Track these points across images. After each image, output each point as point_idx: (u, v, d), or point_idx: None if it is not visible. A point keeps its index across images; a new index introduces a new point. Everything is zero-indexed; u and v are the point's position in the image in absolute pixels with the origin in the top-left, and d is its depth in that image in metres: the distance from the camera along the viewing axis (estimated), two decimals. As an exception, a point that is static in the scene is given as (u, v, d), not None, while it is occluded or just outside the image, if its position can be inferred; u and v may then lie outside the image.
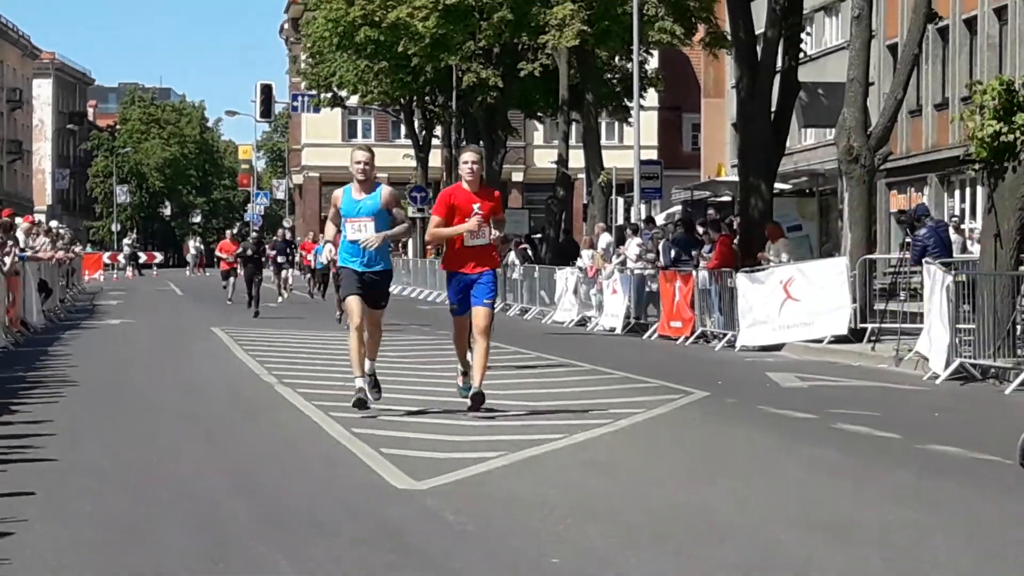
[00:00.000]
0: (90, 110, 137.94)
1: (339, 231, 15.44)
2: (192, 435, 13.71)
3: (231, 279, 43.57)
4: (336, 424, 13.94)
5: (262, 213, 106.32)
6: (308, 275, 51.74)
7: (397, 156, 74.51)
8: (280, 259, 47.29)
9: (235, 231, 53.90)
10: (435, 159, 65.72)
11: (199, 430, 14.10)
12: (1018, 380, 17.93)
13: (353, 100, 64.80)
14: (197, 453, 12.44)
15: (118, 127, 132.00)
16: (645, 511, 9.52)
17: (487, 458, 11.69)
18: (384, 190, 15.34)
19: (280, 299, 45.32)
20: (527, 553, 8.10)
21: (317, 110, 71.35)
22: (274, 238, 53.00)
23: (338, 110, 70.99)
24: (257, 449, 12.70)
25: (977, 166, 19.91)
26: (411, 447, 12.35)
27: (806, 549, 8.32)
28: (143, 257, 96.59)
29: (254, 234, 44.77)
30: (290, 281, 48.45)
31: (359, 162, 15.40)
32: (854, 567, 7.83)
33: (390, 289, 16.18)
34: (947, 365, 19.37)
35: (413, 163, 67.05)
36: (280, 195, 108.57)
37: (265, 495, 10.15)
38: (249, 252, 39.47)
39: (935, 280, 20.30)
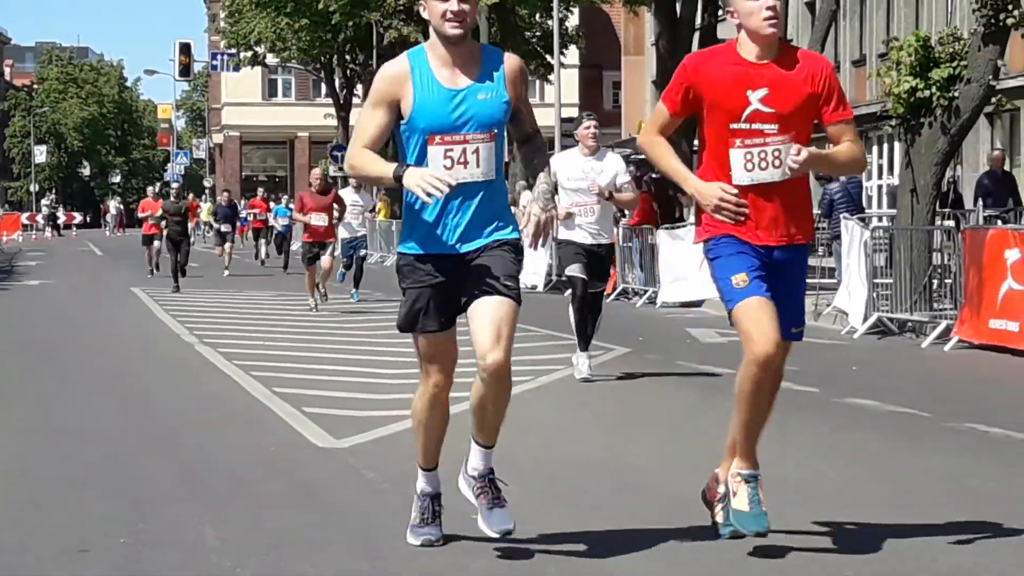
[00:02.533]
0: (6, 69, 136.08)
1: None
2: (112, 396, 13.63)
3: (154, 244, 36.54)
4: (257, 383, 13.92)
5: (182, 172, 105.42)
6: (258, 240, 46.62)
7: (318, 115, 74.15)
8: (224, 228, 40.35)
9: (157, 189, 46.29)
10: (356, 117, 65.41)
11: (119, 391, 14.02)
12: (934, 334, 18.13)
13: (273, 59, 64.35)
14: (117, 414, 12.38)
15: (35, 87, 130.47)
16: (564, 467, 9.56)
17: (407, 415, 11.63)
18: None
19: (225, 271, 37.75)
20: (446, 509, 8.10)
21: (237, 69, 70.73)
22: (218, 201, 44.35)
23: (258, 69, 70.53)
24: (177, 409, 12.65)
25: (894, 122, 20.02)
26: (333, 405, 12.35)
27: (724, 503, 8.37)
28: (62, 218, 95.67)
29: (175, 193, 34.86)
30: (232, 256, 40.36)
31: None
32: (773, 519, 7.88)
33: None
34: (865, 319, 19.54)
35: (334, 122, 66.71)
36: (200, 154, 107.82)
37: (185, 455, 10.12)
38: (171, 211, 32.70)
39: (852, 235, 20.46)
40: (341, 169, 57.85)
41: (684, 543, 7.33)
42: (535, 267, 32.32)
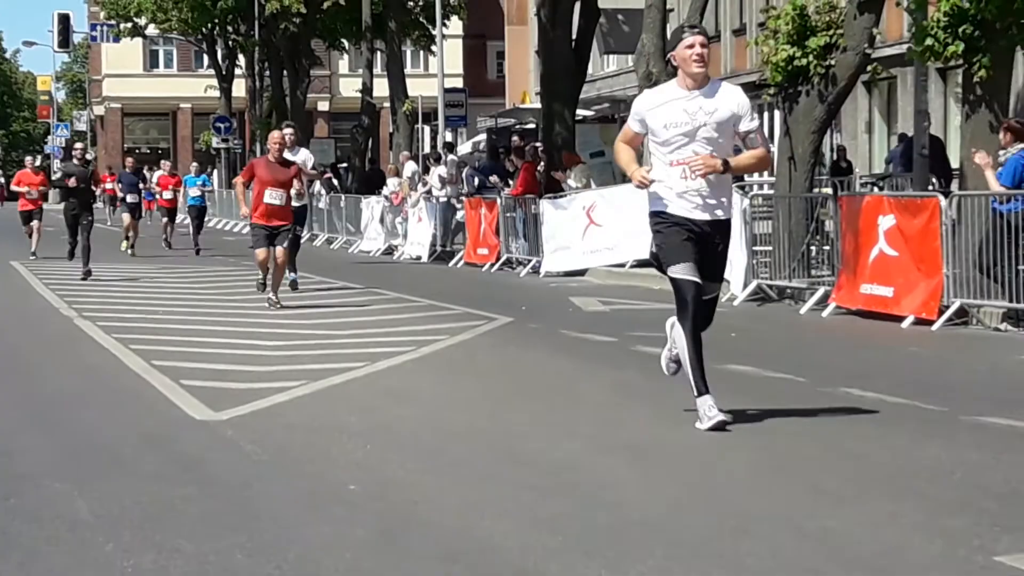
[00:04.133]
0: None
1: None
2: (-14, 371, 13.45)
3: (33, 223, 32.37)
4: (136, 356, 13.80)
5: (63, 145, 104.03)
6: (165, 219, 38.68)
7: (200, 86, 73.48)
8: (131, 198, 35.31)
9: (37, 162, 37.47)
10: (239, 89, 64.91)
11: (-6, 366, 13.83)
12: (812, 300, 18.33)
13: (153, 29, 63.66)
14: (-9, 389, 12.21)
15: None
16: (446, 436, 9.57)
17: (288, 387, 11.66)
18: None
19: (129, 251, 33.79)
20: (324, 481, 8.10)
21: (117, 40, 69.96)
22: (124, 169, 37.75)
23: (139, 40, 69.82)
24: (53, 383, 12.51)
25: (772, 91, 20.20)
26: (211, 378, 12.27)
27: (603, 470, 8.43)
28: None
29: (78, 154, 27.10)
30: (139, 234, 35.28)
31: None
32: (649, 487, 7.97)
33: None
34: (745, 287, 19.72)
35: (217, 93, 66.17)
36: (81, 127, 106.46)
37: (60, 429, 10.01)
38: (73, 183, 26.01)
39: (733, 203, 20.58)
40: (225, 140, 57.50)
41: (565, 510, 7.36)
42: (419, 237, 32.31)
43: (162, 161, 46.60)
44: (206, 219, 40.72)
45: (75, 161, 26.60)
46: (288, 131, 21.22)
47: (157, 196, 40.30)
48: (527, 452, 8.98)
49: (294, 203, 20.02)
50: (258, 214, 19.06)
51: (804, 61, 19.32)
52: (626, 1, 40.89)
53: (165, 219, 38.67)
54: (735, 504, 7.45)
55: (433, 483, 8.03)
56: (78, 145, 27.68)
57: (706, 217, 9.80)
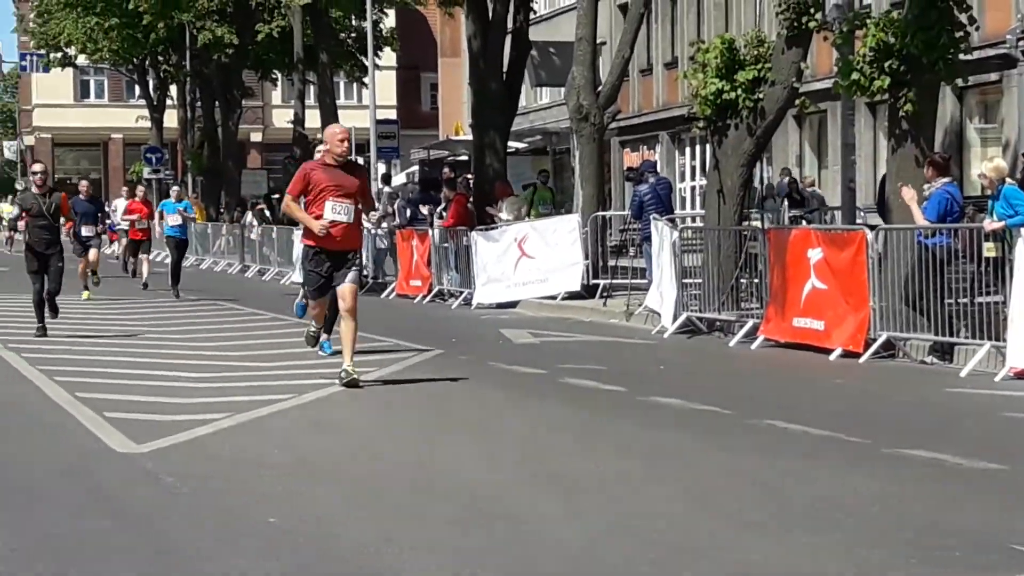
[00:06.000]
0: None
1: None
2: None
3: (141, 255, 31.55)
4: (59, 388, 13.67)
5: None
6: (142, 254, 33.15)
7: (132, 116, 73.10)
8: (86, 231, 27.89)
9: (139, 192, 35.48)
10: (171, 119, 64.64)
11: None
12: (741, 332, 18.38)
13: (84, 59, 63.31)
14: (-90, 422, 12.05)
15: None
16: (368, 470, 9.52)
17: (212, 419, 11.58)
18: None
19: (85, 293, 27.40)
20: (243, 513, 8.04)
21: (47, 70, 69.50)
22: (78, 196, 28.10)
23: (70, 69, 69.35)
24: (-28, 416, 12.36)
25: (701, 124, 20.28)
26: (135, 410, 12.17)
27: (524, 501, 8.41)
28: None
29: (38, 179, 20.24)
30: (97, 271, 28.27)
31: None
32: (571, 518, 7.95)
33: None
34: (675, 319, 19.75)
35: (148, 124, 65.85)
36: (11, 156, 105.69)
37: (-22, 463, 9.89)
38: (32, 211, 19.80)
39: (663, 236, 20.66)
40: (156, 172, 57.22)
41: (484, 543, 7.32)
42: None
43: (127, 187, 43.91)
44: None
45: (34, 189, 20.18)
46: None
47: (124, 225, 35.53)
48: (450, 484, 8.95)
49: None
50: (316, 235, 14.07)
51: (733, 95, 19.41)
52: (557, 34, 41.09)
53: (142, 255, 33.09)
54: (656, 536, 7.44)
55: (353, 516, 7.98)
56: (36, 167, 20.75)
57: None
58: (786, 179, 34.66)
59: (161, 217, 32.49)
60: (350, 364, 13.67)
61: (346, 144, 14.19)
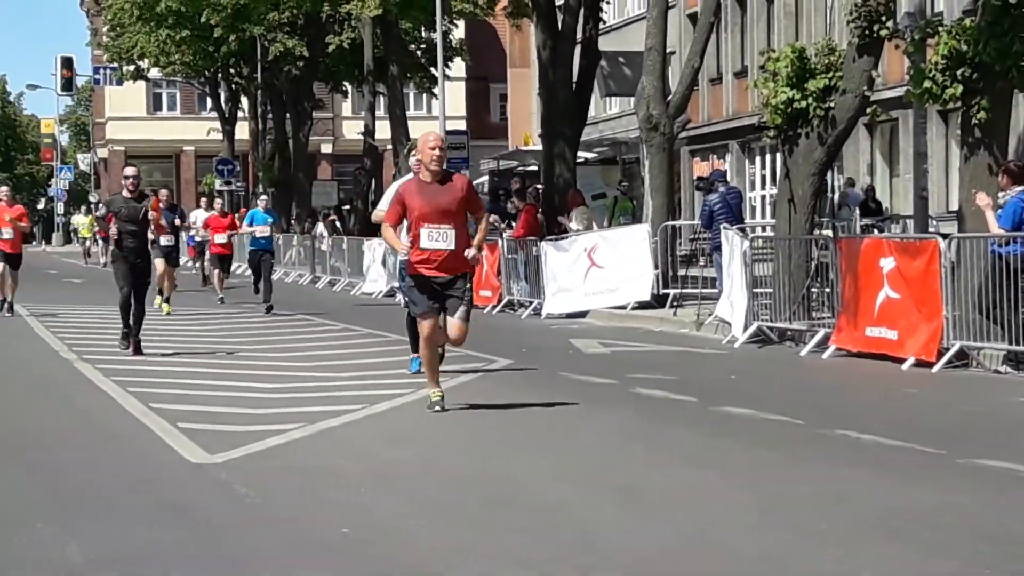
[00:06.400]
0: None
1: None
2: (-17, 414, 13.41)
3: (215, 271, 30.69)
4: (133, 399, 13.78)
5: (67, 188, 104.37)
6: (217, 269, 32.43)
7: (203, 129, 73.59)
8: (165, 240, 26.30)
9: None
10: (242, 131, 65.04)
11: (-10, 409, 13.80)
12: (812, 342, 18.30)
13: (156, 72, 63.82)
14: (-13, 432, 12.19)
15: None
16: (439, 480, 9.55)
17: (285, 430, 11.64)
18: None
19: (166, 308, 26.40)
20: (317, 523, 8.08)
21: (120, 83, 70.16)
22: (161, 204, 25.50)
23: (142, 83, 69.93)
24: (48, 426, 12.48)
25: (772, 133, 20.22)
26: (209, 421, 12.26)
27: (594, 512, 8.42)
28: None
29: (130, 184, 19.05)
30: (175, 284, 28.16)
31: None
32: (641, 529, 7.94)
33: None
34: (745, 329, 19.69)
35: (220, 136, 66.30)
36: (85, 169, 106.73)
37: (54, 474, 9.99)
38: (114, 232, 18.87)
39: (733, 245, 20.62)
40: (227, 183, 57.60)
41: (555, 554, 7.33)
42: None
43: (204, 198, 41.45)
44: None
45: (126, 193, 19.02)
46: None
47: (200, 240, 35.07)
48: (520, 495, 8.96)
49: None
50: (416, 261, 12.56)
51: (804, 103, 19.34)
52: (627, 44, 41.07)
53: (217, 269, 32.37)
54: (727, 546, 7.43)
55: (425, 527, 8.01)
56: (129, 171, 19.44)
57: None
58: (857, 187, 34.47)
59: (231, 227, 32.36)
60: (436, 389, 12.81)
61: (438, 152, 12.44)
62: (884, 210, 33.61)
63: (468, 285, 12.60)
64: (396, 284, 34.25)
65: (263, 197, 31.08)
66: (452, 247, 12.34)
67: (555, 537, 7.72)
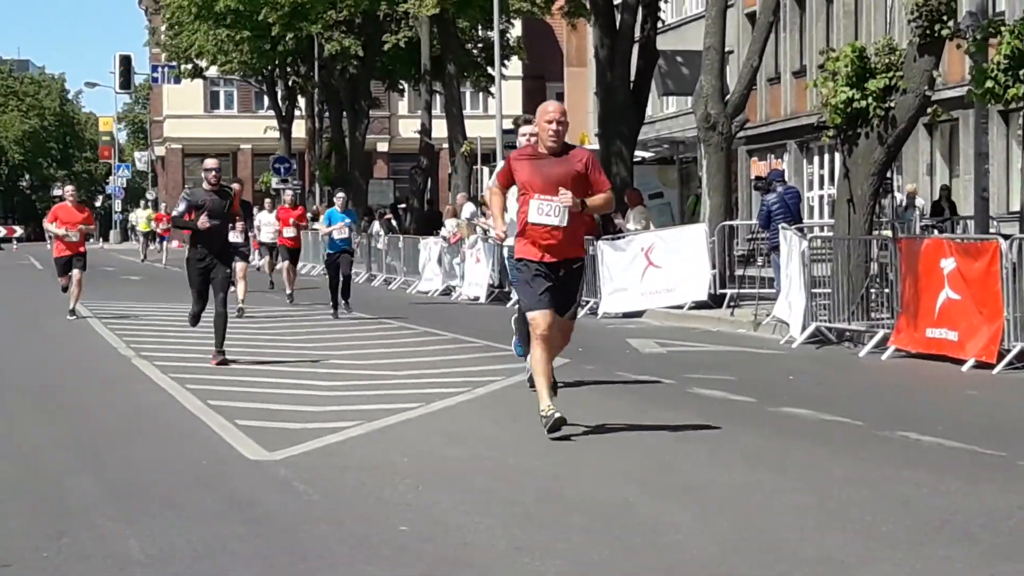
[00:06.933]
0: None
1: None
2: (40, 409, 13.48)
3: (71, 273, 25.02)
4: (192, 396, 13.83)
5: (124, 186, 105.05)
6: (286, 261, 31.47)
7: (260, 127, 73.90)
8: (234, 237, 22.38)
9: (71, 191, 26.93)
10: (298, 130, 65.26)
11: (48, 404, 13.87)
12: (871, 343, 18.19)
13: (214, 71, 64.13)
14: (46, 428, 12.26)
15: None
16: (497, 478, 9.53)
17: (342, 427, 11.66)
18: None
19: (240, 305, 25.55)
20: (375, 521, 8.08)
21: (178, 81, 70.60)
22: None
23: (200, 81, 70.32)
24: (107, 423, 12.54)
25: (831, 132, 20.11)
26: (267, 418, 12.29)
27: (656, 512, 8.38)
28: (2, 231, 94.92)
29: (212, 176, 17.65)
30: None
31: None
32: (701, 529, 7.90)
33: None
34: (803, 329, 19.60)
35: (276, 134, 66.56)
36: (142, 167, 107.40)
37: (113, 468, 10.03)
38: (204, 223, 17.10)
39: (791, 245, 20.53)
40: (284, 181, 57.77)
41: (615, 553, 7.31)
42: (477, 278, 32.33)
43: (268, 199, 39.24)
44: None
45: (207, 186, 17.57)
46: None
47: (266, 238, 33.81)
48: (580, 494, 8.93)
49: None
50: (527, 243, 11.20)
51: (863, 103, 19.22)
52: (685, 43, 40.97)
53: (286, 262, 31.18)
54: (787, 547, 7.38)
55: (483, 525, 7.99)
56: (210, 163, 18.02)
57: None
58: (926, 188, 34.27)
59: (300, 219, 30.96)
60: (549, 403, 11.11)
61: (555, 127, 11.20)
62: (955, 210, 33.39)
63: (580, 276, 11.31)
64: (451, 282, 34.44)
65: (340, 195, 28.55)
66: (564, 223, 10.98)
67: (618, 536, 7.69)
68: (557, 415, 10.94)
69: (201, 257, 17.23)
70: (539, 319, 11.00)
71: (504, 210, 11.82)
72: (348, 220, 26.95)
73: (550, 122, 11.19)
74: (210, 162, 18.15)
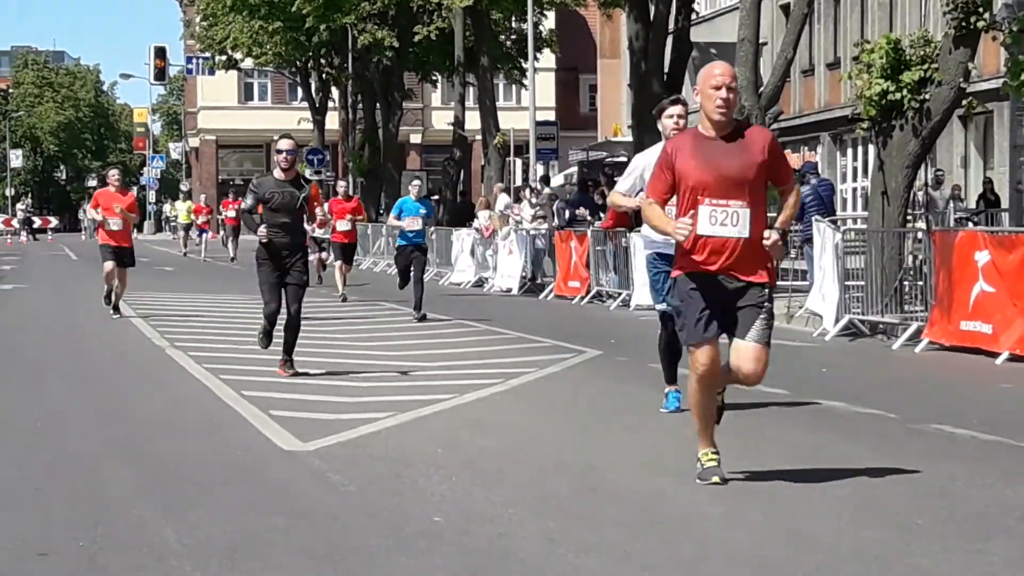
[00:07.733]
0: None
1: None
2: (76, 399, 13.56)
3: (338, 262, 26.75)
4: (225, 387, 13.88)
5: (158, 176, 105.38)
6: (339, 261, 28.94)
7: (294, 119, 74.07)
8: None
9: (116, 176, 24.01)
10: (332, 121, 65.36)
11: (84, 394, 13.95)
12: (905, 335, 18.15)
13: (248, 62, 64.27)
14: (82, 418, 12.33)
15: (11, 91, 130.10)
16: (531, 470, 9.54)
17: (376, 419, 11.68)
18: None
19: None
20: (409, 511, 8.10)
21: (212, 73, 70.78)
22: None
23: (234, 72, 70.47)
24: (142, 413, 12.59)
25: (866, 124, 20.06)
26: (300, 409, 12.33)
27: (690, 504, 8.38)
28: (38, 222, 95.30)
29: (284, 163, 14.97)
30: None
31: None
32: (735, 520, 7.90)
33: None
34: (837, 321, 19.56)
35: (310, 126, 66.69)
36: (177, 158, 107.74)
37: (149, 459, 10.07)
38: (277, 205, 14.81)
39: (825, 238, 20.48)
40: (318, 173, 57.87)
41: (650, 544, 7.31)
42: (510, 270, 32.34)
43: (340, 182, 36.77)
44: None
45: (278, 172, 15.16)
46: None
47: (318, 236, 30.65)
48: (613, 486, 8.94)
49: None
50: (691, 255, 8.69)
51: (898, 95, 19.17)
52: (719, 35, 40.87)
53: (340, 261, 28.78)
54: (822, 540, 7.38)
55: (517, 516, 8.00)
56: (283, 144, 15.11)
57: None
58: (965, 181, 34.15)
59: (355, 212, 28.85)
60: (709, 450, 8.96)
61: (724, 92, 8.53)
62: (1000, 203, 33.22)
63: (768, 294, 8.65)
64: (484, 274, 34.39)
65: (416, 183, 24.98)
66: (745, 234, 8.50)
67: (653, 527, 7.69)
68: (715, 477, 8.74)
69: (267, 257, 14.85)
70: (701, 357, 8.65)
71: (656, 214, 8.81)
72: (424, 211, 23.64)
73: (718, 87, 8.54)
74: (284, 143, 15.21)
